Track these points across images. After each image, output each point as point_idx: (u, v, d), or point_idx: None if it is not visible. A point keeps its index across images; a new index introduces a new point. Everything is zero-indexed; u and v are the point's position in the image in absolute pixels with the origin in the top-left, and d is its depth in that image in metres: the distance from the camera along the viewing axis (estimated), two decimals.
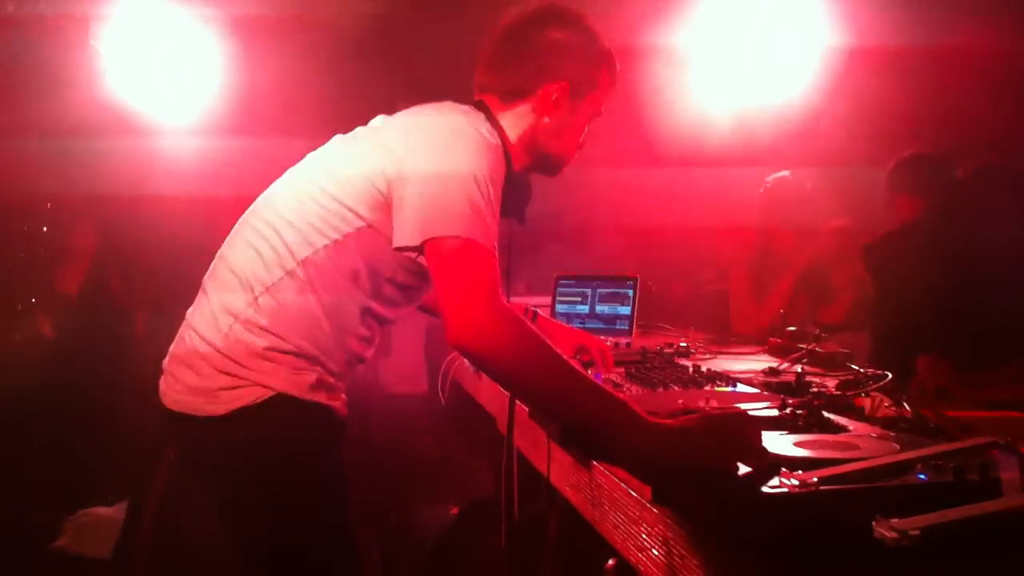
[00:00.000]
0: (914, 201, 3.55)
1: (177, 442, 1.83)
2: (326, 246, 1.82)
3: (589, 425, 1.61)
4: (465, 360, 2.82)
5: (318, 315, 1.83)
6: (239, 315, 1.82)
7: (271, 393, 1.78)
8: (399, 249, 1.77)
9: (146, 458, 1.89)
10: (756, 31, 4.72)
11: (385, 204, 1.79)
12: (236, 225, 1.99)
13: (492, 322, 1.61)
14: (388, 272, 1.87)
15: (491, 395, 2.80)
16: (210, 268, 1.97)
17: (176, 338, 1.94)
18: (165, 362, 1.92)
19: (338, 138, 2.01)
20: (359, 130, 2.00)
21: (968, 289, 2.37)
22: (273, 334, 1.80)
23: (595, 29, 2.03)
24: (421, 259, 1.76)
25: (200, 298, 1.94)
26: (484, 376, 2.85)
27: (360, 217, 1.81)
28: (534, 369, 1.62)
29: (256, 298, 1.82)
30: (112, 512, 3.80)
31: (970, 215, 2.85)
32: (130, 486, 2.00)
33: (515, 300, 2.96)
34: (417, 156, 1.77)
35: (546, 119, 1.99)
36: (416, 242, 1.72)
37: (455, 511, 3.73)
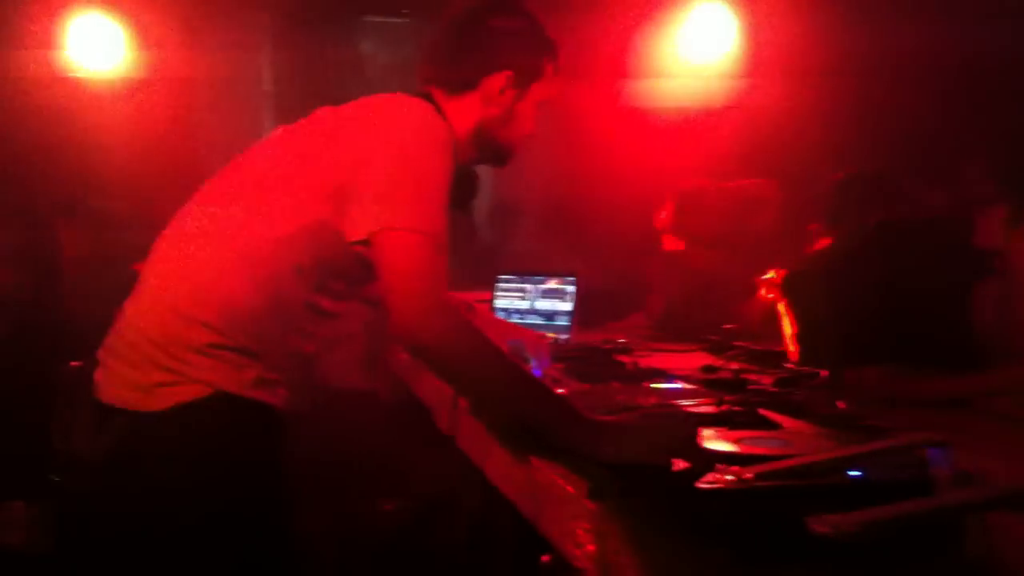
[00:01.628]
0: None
1: (111, 437, 1.78)
2: (273, 239, 1.79)
3: (528, 419, 1.62)
4: (407, 354, 2.81)
5: (260, 310, 1.79)
6: (178, 309, 1.77)
7: (211, 391, 1.74)
8: (353, 243, 1.74)
9: (75, 452, 1.85)
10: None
11: (337, 197, 1.76)
12: (178, 215, 1.94)
13: (438, 315, 1.62)
14: (335, 266, 1.84)
15: (431, 390, 2.78)
16: (149, 257, 1.92)
17: (113, 329, 1.89)
18: (100, 353, 1.87)
19: (283, 130, 1.98)
20: (306, 122, 1.96)
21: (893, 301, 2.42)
22: (214, 329, 1.76)
23: (538, 19, 2.03)
24: (368, 252, 1.73)
25: (138, 288, 1.89)
26: (425, 372, 2.84)
27: (310, 210, 1.78)
28: (475, 364, 1.64)
29: (196, 291, 1.78)
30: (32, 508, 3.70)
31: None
32: (55, 480, 1.95)
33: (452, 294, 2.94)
34: (374, 149, 1.76)
35: (492, 109, 1.98)
36: (366, 234, 1.70)
37: (394, 507, 3.71)
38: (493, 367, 1.63)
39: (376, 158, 1.74)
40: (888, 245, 2.50)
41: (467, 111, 1.98)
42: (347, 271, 1.85)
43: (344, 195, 1.75)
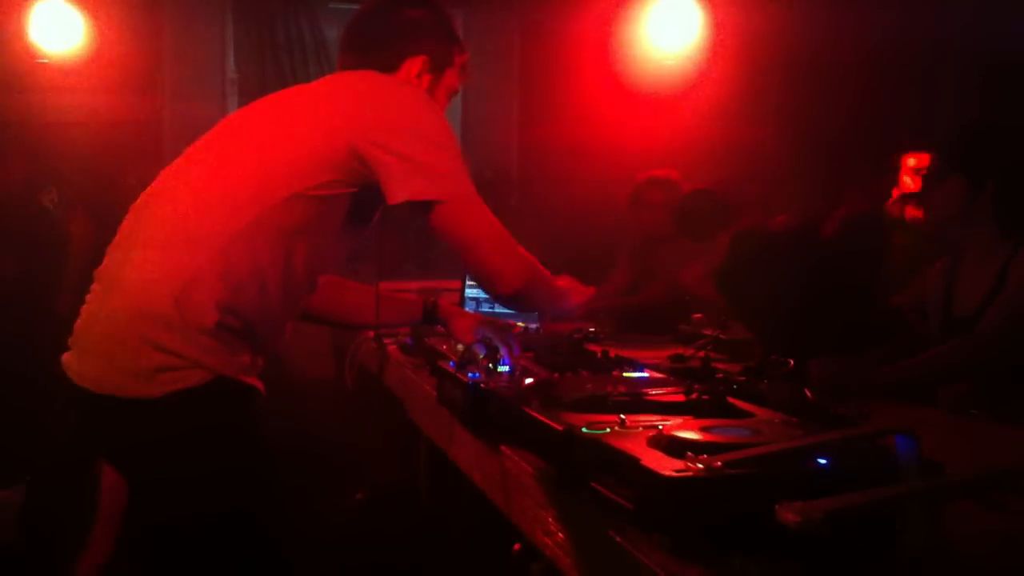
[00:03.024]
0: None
1: (98, 426, 1.73)
2: (279, 203, 1.77)
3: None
4: (372, 343, 2.80)
5: (270, 288, 1.78)
6: (192, 286, 1.70)
7: (211, 376, 1.71)
8: (397, 204, 1.79)
9: (46, 440, 1.81)
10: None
11: (351, 157, 1.79)
12: (160, 188, 1.89)
13: (518, 263, 1.91)
14: (328, 240, 1.87)
15: (398, 379, 2.78)
16: (127, 234, 1.85)
17: (89, 303, 1.82)
18: (75, 337, 1.80)
19: (269, 98, 1.99)
20: (293, 91, 2.00)
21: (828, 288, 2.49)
22: (226, 307, 1.72)
23: (445, 10, 2.16)
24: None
25: (124, 256, 1.81)
26: (391, 359, 2.84)
27: (314, 172, 1.79)
28: (545, 295, 2.08)
29: (206, 266, 1.72)
30: (8, 495, 3.65)
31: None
32: (29, 468, 1.92)
33: (404, 287, 2.95)
34: (390, 114, 1.83)
35: None
36: (417, 198, 1.78)
37: (360, 496, 3.70)
38: (551, 289, 2.09)
39: (400, 123, 1.82)
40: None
41: None
42: (337, 247, 1.90)
43: (356, 156, 1.79)
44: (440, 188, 1.79)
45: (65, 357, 1.80)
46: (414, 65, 2.05)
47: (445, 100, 2.14)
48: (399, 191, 1.78)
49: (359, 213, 1.89)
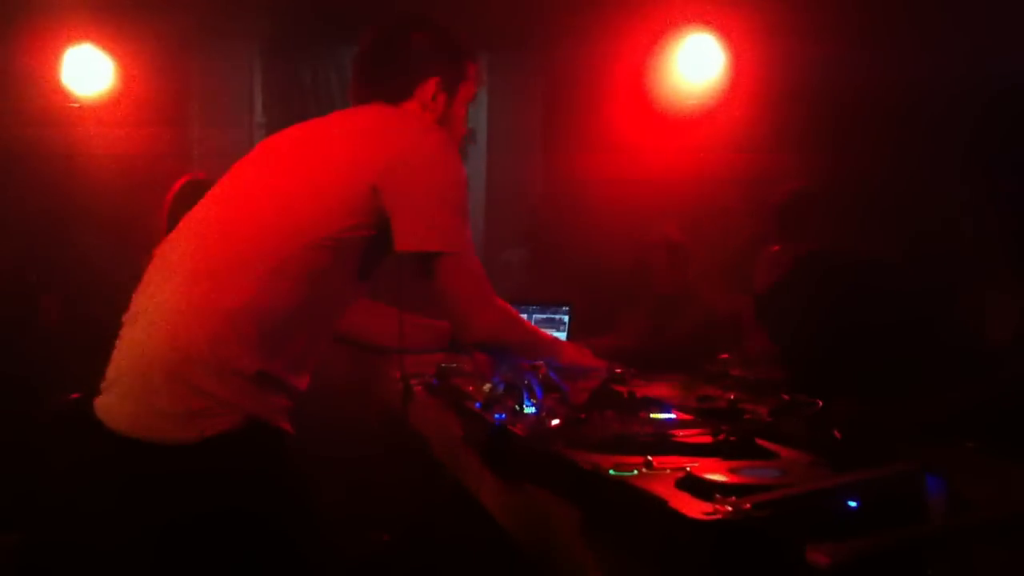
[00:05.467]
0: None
1: (131, 471, 1.72)
2: (309, 244, 1.80)
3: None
4: (399, 383, 2.81)
5: (298, 329, 1.81)
6: (223, 321, 1.72)
7: (245, 419, 1.72)
8: (403, 252, 1.86)
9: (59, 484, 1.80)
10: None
11: (371, 199, 1.84)
12: (186, 229, 1.90)
13: (490, 315, 1.99)
14: (353, 279, 1.90)
15: (423, 419, 2.77)
16: (155, 279, 1.86)
17: (119, 348, 1.82)
18: (108, 382, 1.80)
19: (292, 134, 2.04)
20: (316, 131, 2.03)
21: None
22: (258, 349, 1.73)
23: (449, 29, 2.17)
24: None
25: (153, 301, 1.82)
26: (416, 399, 2.84)
27: (343, 214, 1.82)
28: (517, 343, 2.13)
29: (240, 303, 1.74)
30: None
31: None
32: (34, 512, 1.88)
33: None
34: (409, 161, 1.87)
35: (429, 115, 2.08)
36: (419, 249, 1.86)
37: (387, 537, 3.68)
38: (527, 343, 2.14)
39: (417, 173, 1.87)
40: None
41: None
42: (361, 268, 1.91)
43: (377, 197, 1.84)
44: (442, 241, 1.87)
45: (98, 401, 1.79)
46: (427, 89, 2.08)
47: (463, 111, 2.18)
48: (407, 240, 1.86)
49: (379, 251, 1.91)
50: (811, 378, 2.27)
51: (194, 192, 3.89)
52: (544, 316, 3.46)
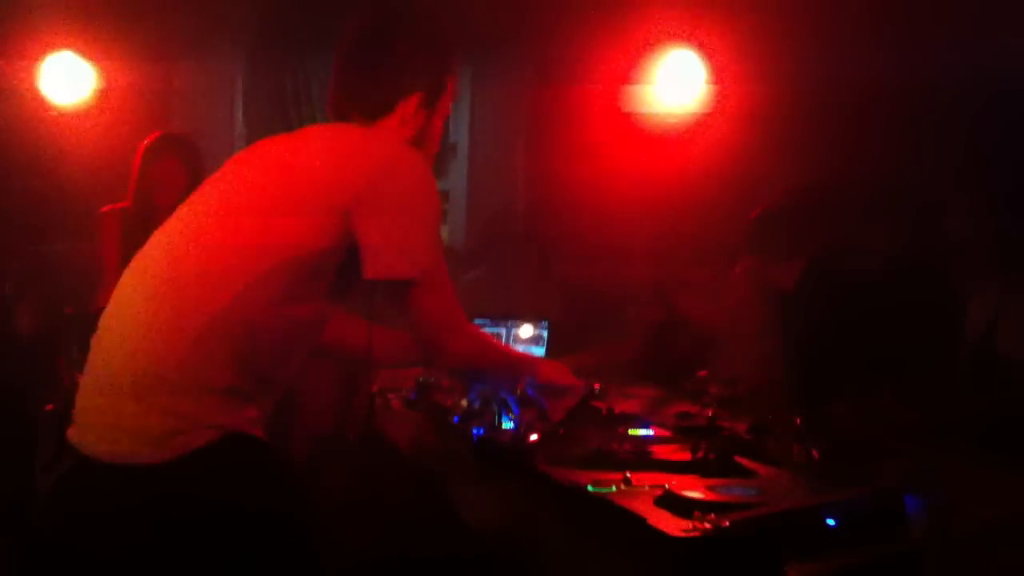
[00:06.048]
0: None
1: (109, 495, 1.68)
2: (287, 258, 1.75)
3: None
4: (377, 397, 2.78)
5: (270, 347, 1.76)
6: (196, 348, 1.68)
7: (221, 433, 1.68)
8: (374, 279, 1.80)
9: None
10: None
11: (344, 219, 1.78)
12: (154, 248, 1.85)
13: (461, 342, 1.94)
14: (325, 300, 1.85)
15: (402, 433, 2.75)
16: (128, 280, 1.82)
17: (91, 383, 1.77)
18: (80, 406, 1.75)
19: (265, 146, 1.98)
20: (295, 140, 1.97)
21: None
22: (234, 368, 1.70)
23: (434, 29, 2.10)
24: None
25: (124, 322, 1.78)
26: (395, 413, 2.82)
27: (322, 229, 1.78)
28: (488, 367, 2.06)
29: (212, 325, 1.70)
30: None
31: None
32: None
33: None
34: (382, 187, 1.82)
35: (407, 131, 2.02)
36: (389, 277, 1.80)
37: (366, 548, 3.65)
38: (501, 366, 2.07)
39: (389, 200, 1.82)
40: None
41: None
42: (334, 290, 1.86)
43: (349, 222, 1.79)
44: (413, 268, 1.82)
45: (71, 432, 1.75)
46: (409, 105, 2.02)
47: (440, 126, 2.13)
48: (377, 268, 1.81)
49: (353, 273, 1.87)
50: (811, 379, 2.26)
51: (168, 146, 3.86)
52: (521, 331, 3.45)
